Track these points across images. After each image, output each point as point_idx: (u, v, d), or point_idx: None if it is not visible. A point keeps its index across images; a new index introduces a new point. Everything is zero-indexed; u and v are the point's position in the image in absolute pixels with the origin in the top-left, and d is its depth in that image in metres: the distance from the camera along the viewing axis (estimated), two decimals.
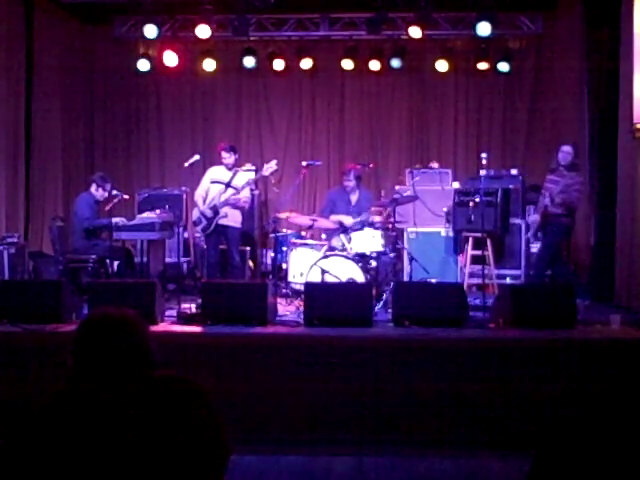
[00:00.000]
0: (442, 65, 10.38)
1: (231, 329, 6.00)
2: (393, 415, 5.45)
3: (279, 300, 7.31)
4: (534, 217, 7.73)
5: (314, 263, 7.39)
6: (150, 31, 9.36)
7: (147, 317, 6.12)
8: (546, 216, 7.42)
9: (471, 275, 8.60)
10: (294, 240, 8.24)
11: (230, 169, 8.15)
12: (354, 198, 8.42)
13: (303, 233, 8.56)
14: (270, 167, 7.97)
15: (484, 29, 9.06)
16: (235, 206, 8.03)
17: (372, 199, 8.58)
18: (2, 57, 8.98)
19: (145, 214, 8.15)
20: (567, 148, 7.43)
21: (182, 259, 9.10)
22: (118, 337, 2.21)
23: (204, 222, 8.05)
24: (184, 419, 2.10)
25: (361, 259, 7.57)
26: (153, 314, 6.16)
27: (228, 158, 8.11)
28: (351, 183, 8.43)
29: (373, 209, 8.27)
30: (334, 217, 8.26)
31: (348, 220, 8.11)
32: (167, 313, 6.64)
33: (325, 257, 7.48)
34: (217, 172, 8.21)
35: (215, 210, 7.99)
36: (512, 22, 10.17)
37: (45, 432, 2.03)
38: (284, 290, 7.89)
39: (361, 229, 7.87)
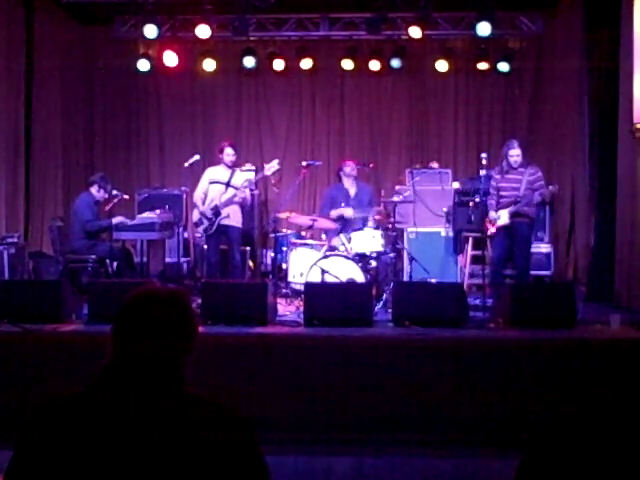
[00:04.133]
0: (442, 65, 10.37)
1: (231, 329, 6.00)
2: (393, 415, 5.45)
3: (279, 300, 7.32)
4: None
5: (314, 263, 7.38)
6: (150, 31, 9.36)
7: None
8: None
9: (471, 275, 8.61)
10: (294, 240, 8.24)
11: (229, 168, 8.16)
12: (352, 192, 8.43)
13: (303, 233, 8.56)
14: (272, 167, 7.97)
15: (484, 29, 9.06)
16: (240, 204, 8.06)
17: (371, 192, 8.59)
18: (2, 57, 8.98)
19: (145, 214, 8.15)
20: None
21: (182, 259, 9.10)
22: (169, 311, 1.92)
23: (206, 223, 8.05)
24: (219, 454, 1.81)
25: (361, 259, 7.56)
26: None
27: (232, 156, 8.14)
28: (354, 172, 8.45)
29: (376, 208, 8.28)
30: (335, 212, 8.26)
31: (348, 211, 8.12)
32: None
33: (325, 257, 7.48)
34: (215, 172, 8.21)
35: (216, 211, 7.99)
36: (512, 22, 10.16)
37: (61, 435, 1.81)
38: (284, 290, 7.88)
39: (361, 229, 7.88)
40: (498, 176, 7.53)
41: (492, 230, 7.47)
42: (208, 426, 1.82)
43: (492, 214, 7.45)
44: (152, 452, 1.77)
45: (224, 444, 1.81)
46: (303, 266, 7.61)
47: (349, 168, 8.45)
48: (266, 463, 1.86)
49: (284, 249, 8.22)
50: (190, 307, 1.98)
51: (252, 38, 10.29)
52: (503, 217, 7.34)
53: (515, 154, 7.40)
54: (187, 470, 1.77)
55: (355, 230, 7.89)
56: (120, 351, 1.88)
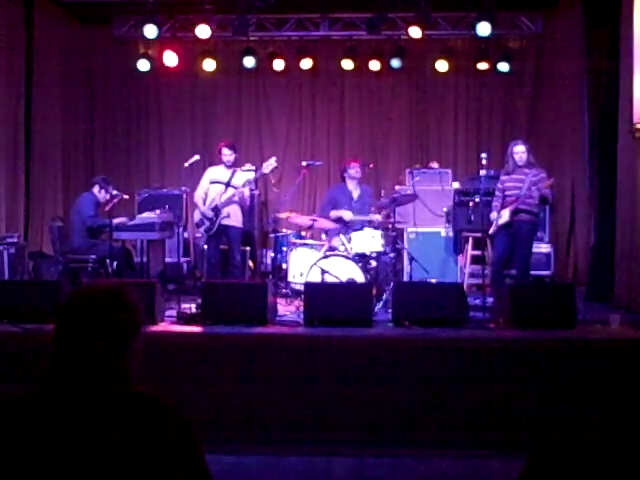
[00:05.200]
0: (442, 65, 10.38)
1: (231, 329, 6.00)
2: (393, 415, 5.45)
3: (279, 300, 7.31)
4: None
5: (314, 263, 7.38)
6: (150, 31, 9.36)
7: (147, 317, 6.13)
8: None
9: (471, 275, 8.61)
10: (294, 240, 8.23)
11: (229, 168, 8.15)
12: (356, 194, 8.42)
13: (303, 233, 8.55)
14: (270, 164, 7.96)
15: (484, 29, 9.07)
16: (239, 203, 8.05)
17: (373, 193, 8.59)
18: (2, 57, 8.98)
19: (145, 214, 8.15)
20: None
21: (182, 259, 9.10)
22: (109, 309, 1.83)
23: (207, 223, 8.05)
24: (162, 455, 1.76)
25: (361, 259, 7.56)
26: (153, 314, 6.16)
27: (229, 155, 8.11)
28: (359, 175, 8.43)
29: (373, 209, 8.27)
30: (334, 212, 8.26)
31: (348, 214, 8.12)
32: (167, 313, 6.64)
33: (325, 257, 7.47)
34: (216, 172, 8.21)
35: (217, 211, 7.99)
36: (512, 22, 10.17)
37: (3, 438, 1.76)
38: (284, 290, 7.88)
39: (361, 229, 7.87)
40: (504, 177, 7.49)
41: (492, 229, 7.44)
42: (147, 423, 1.77)
43: (493, 215, 7.44)
44: (93, 452, 1.73)
45: (163, 440, 1.77)
46: (303, 266, 7.61)
47: (354, 170, 8.40)
48: (205, 459, 1.83)
49: (284, 249, 8.21)
50: (128, 302, 1.88)
51: (252, 38, 10.30)
52: (504, 216, 7.32)
53: (520, 151, 7.36)
54: (128, 468, 1.74)
55: (355, 230, 7.89)
56: (59, 353, 1.83)
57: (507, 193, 7.38)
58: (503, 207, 7.34)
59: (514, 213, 7.24)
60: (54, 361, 1.83)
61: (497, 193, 7.51)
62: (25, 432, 1.76)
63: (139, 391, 1.83)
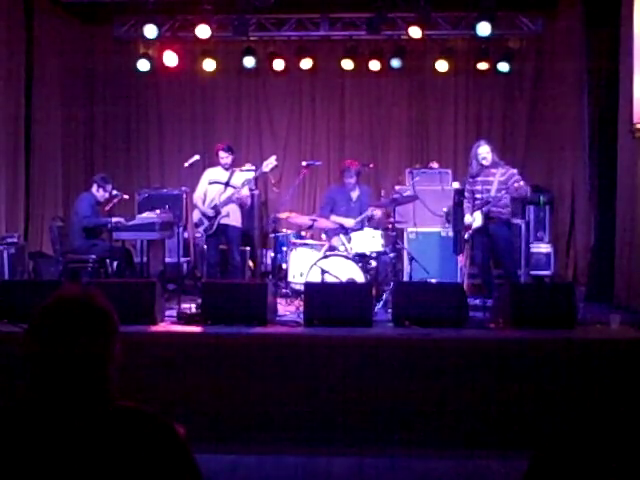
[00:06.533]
0: (442, 65, 10.38)
1: (231, 329, 6.00)
2: (393, 415, 5.45)
3: (279, 300, 7.31)
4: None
5: (314, 263, 7.38)
6: (150, 31, 9.36)
7: (147, 317, 6.13)
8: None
9: (471, 275, 8.60)
10: (294, 240, 8.24)
11: (227, 169, 8.16)
12: (354, 195, 8.42)
13: (303, 233, 8.55)
14: (270, 163, 7.96)
15: (484, 29, 9.07)
16: (239, 203, 8.05)
17: (372, 195, 8.59)
18: (2, 57, 8.98)
19: (145, 214, 8.15)
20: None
21: (182, 259, 9.10)
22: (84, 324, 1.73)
23: (206, 223, 8.06)
24: (152, 467, 1.69)
25: (361, 259, 7.56)
26: (153, 314, 6.16)
27: (226, 158, 8.13)
28: (352, 180, 8.41)
29: (371, 209, 8.27)
30: (335, 218, 8.25)
31: (349, 222, 8.12)
32: (167, 313, 6.64)
33: (325, 257, 7.47)
34: (214, 173, 8.22)
35: (217, 210, 8.00)
36: (512, 22, 10.17)
37: None
38: (284, 290, 7.88)
39: (361, 229, 7.88)
40: (471, 179, 7.54)
41: (467, 234, 7.47)
42: (139, 440, 1.69)
43: (467, 218, 7.46)
44: (82, 470, 1.66)
45: (156, 457, 1.70)
46: (303, 266, 7.61)
47: (347, 180, 8.38)
48: (200, 473, 1.77)
49: (284, 249, 8.22)
50: (99, 308, 1.78)
51: (252, 38, 10.30)
52: (477, 219, 7.33)
53: (484, 151, 7.39)
54: None
55: (355, 230, 7.90)
56: (37, 372, 1.76)
57: (477, 195, 7.39)
58: (475, 209, 7.35)
59: (486, 217, 7.24)
60: (32, 380, 1.74)
61: (466, 194, 7.55)
62: (10, 452, 1.68)
63: (123, 405, 1.74)
